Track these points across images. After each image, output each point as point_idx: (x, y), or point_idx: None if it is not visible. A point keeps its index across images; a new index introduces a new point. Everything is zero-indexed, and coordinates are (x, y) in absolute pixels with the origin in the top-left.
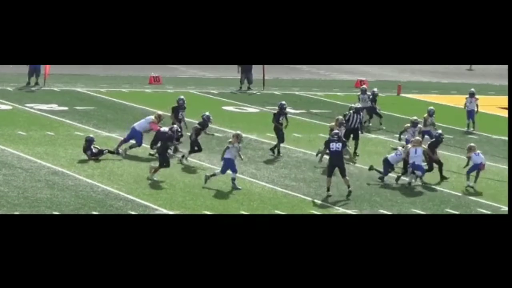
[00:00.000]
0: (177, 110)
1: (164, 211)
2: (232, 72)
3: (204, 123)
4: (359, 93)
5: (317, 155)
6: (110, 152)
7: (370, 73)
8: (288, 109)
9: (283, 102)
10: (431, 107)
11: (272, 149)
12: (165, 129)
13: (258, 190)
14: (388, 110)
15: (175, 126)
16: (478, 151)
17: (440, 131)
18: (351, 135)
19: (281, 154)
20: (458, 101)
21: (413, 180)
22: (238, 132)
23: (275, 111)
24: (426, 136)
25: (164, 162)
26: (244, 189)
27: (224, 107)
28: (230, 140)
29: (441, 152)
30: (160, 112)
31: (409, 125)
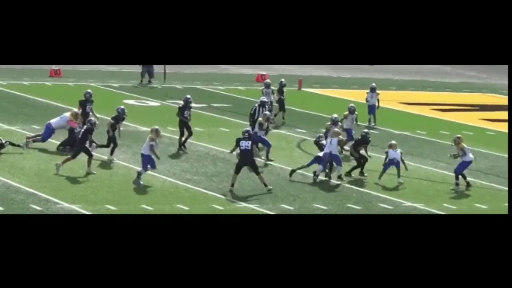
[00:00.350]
0: (84, 103)
1: (66, 205)
2: (133, 65)
3: (119, 116)
4: (263, 87)
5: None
6: (11, 144)
7: (271, 67)
8: (192, 103)
9: (189, 96)
10: (352, 104)
11: (183, 144)
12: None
13: (159, 184)
14: (290, 105)
15: (92, 118)
16: (396, 150)
17: (366, 130)
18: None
19: (184, 149)
20: (359, 95)
21: (320, 174)
22: (156, 127)
23: (180, 105)
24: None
25: (86, 153)
26: (146, 182)
27: (125, 101)
28: (150, 135)
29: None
30: (75, 110)
31: (329, 123)
